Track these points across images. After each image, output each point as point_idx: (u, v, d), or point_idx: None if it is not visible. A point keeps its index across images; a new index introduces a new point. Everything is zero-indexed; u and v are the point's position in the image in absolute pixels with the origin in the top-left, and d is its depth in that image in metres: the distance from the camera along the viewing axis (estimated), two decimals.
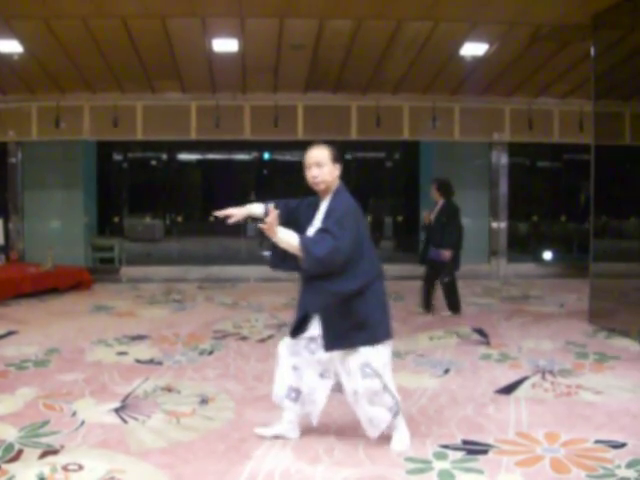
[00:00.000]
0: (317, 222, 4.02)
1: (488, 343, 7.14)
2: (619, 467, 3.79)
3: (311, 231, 4.00)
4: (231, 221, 4.17)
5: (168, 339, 7.34)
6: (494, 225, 14.03)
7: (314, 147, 4.04)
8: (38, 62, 10.91)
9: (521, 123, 13.20)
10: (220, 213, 4.18)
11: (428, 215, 8.89)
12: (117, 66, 11.14)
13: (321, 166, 3.96)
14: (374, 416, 4.01)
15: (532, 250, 16.22)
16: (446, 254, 8.53)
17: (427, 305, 9.02)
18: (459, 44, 10.48)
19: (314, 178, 3.97)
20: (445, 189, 8.81)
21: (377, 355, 3.95)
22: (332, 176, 3.99)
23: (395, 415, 4.05)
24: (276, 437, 4.23)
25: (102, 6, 8.89)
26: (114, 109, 12.47)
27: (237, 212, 4.17)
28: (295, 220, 4.09)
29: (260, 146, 20.34)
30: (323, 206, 4.04)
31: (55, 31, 9.74)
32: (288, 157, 22.14)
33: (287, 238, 3.80)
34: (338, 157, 4.03)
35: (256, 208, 4.20)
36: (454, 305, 8.87)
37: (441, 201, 8.79)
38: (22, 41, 10.09)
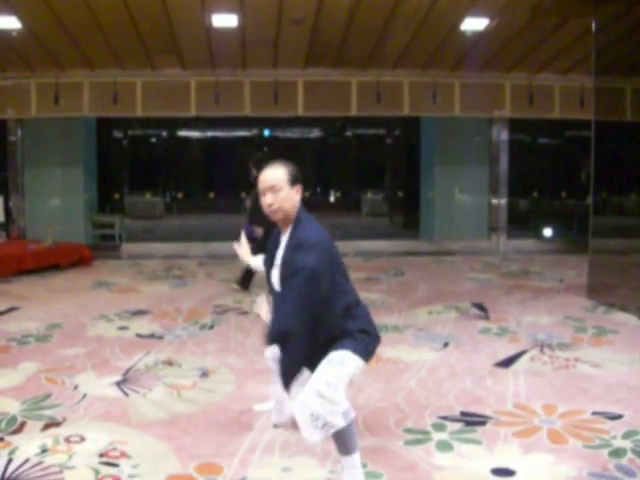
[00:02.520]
0: (278, 260, 3.39)
1: (487, 318, 7.17)
2: (615, 438, 3.84)
3: (275, 273, 3.39)
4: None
5: (169, 314, 7.38)
6: (494, 201, 14.02)
7: (269, 168, 3.34)
8: (37, 38, 10.85)
9: (521, 99, 13.15)
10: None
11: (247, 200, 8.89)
12: (116, 42, 11.07)
13: (276, 191, 3.24)
14: None
15: (532, 226, 16.25)
16: (258, 230, 8.35)
17: (245, 282, 8.79)
18: (459, 19, 10.41)
19: (269, 206, 3.27)
20: (261, 165, 8.66)
21: None
22: (291, 202, 3.27)
23: None
24: None
25: None
26: (113, 86, 12.40)
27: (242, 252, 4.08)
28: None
29: (260, 123, 20.30)
30: (284, 240, 3.38)
31: (53, 6, 9.67)
32: (288, 134, 22.15)
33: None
34: (298, 177, 3.33)
35: (255, 261, 4.04)
36: (244, 280, 8.76)
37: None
38: (20, 17, 10.03)
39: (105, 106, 12.62)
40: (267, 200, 3.27)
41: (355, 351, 3.22)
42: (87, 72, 12.40)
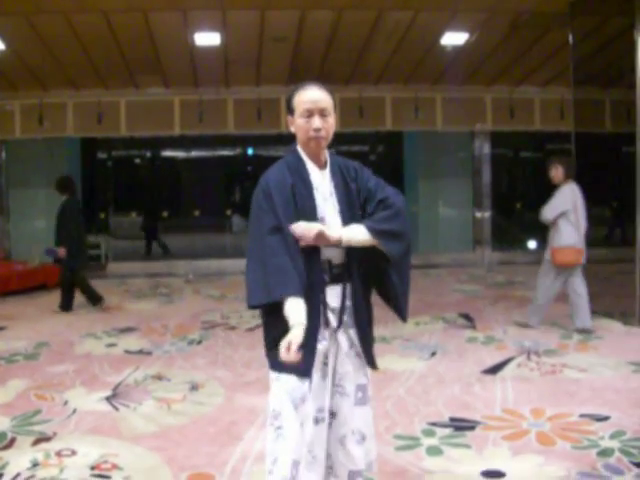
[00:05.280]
0: (328, 204, 2.77)
1: (474, 327, 7.22)
2: (603, 438, 3.88)
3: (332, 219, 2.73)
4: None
5: (157, 330, 7.38)
6: (478, 214, 14.11)
7: (313, 87, 2.76)
8: (20, 59, 10.88)
9: (502, 112, 13.28)
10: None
11: None
12: (100, 62, 11.12)
13: (326, 116, 2.73)
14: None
15: (516, 238, 16.35)
16: (60, 251, 8.45)
17: (67, 305, 8.82)
18: (439, 33, 10.55)
19: (317, 131, 2.72)
20: (63, 187, 8.64)
21: None
22: (332, 132, 2.81)
23: None
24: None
25: (83, 0, 8.90)
26: (97, 105, 12.43)
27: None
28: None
29: (244, 142, 20.36)
30: (326, 177, 2.83)
31: (37, 27, 9.72)
32: (272, 152, 22.20)
33: (357, 235, 2.66)
34: None
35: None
36: (92, 297, 8.87)
37: (63, 198, 8.65)
38: (3, 38, 10.07)
39: (89, 126, 12.66)
40: (315, 124, 2.70)
41: None
42: (71, 92, 12.44)
